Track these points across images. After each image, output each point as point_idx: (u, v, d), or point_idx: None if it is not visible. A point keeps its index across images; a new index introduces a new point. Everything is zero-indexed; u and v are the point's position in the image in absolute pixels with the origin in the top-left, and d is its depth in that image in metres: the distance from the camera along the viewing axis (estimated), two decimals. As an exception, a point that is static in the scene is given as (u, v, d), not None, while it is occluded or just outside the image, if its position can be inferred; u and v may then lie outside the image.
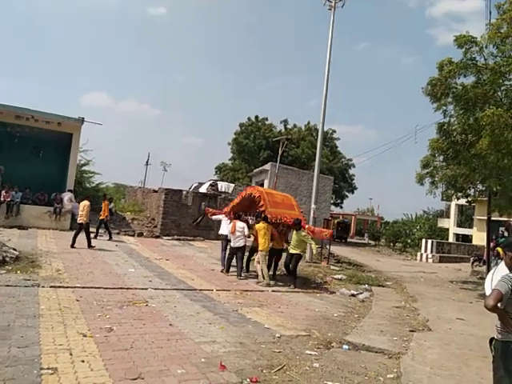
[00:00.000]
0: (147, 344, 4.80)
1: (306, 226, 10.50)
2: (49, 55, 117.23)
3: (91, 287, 7.42)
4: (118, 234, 17.39)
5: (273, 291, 9.26)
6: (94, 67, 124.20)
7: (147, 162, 58.12)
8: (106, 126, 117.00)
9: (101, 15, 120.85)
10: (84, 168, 26.52)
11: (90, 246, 12.32)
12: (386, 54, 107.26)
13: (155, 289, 7.97)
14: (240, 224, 10.39)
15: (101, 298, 6.71)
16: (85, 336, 4.81)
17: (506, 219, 18.03)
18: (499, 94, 11.61)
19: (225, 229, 11.14)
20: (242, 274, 10.34)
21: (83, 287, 7.33)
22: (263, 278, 9.84)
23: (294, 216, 10.46)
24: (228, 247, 10.89)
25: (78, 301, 6.40)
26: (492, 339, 3.11)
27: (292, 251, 10.05)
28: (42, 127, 17.19)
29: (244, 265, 10.75)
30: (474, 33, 11.49)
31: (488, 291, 3.10)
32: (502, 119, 9.64)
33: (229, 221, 11.09)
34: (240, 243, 10.29)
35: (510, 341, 2.92)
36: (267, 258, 10.14)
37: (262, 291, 9.11)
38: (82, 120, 17.89)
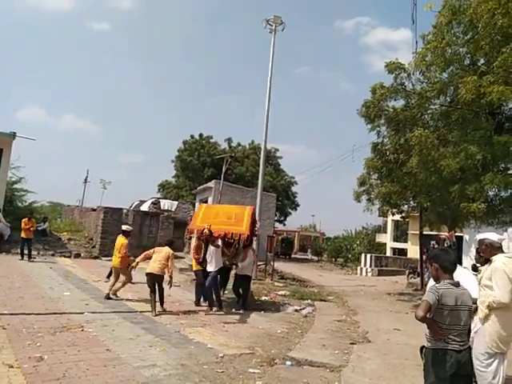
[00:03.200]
0: (81, 372, 4.53)
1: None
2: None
3: (21, 313, 6.91)
4: (53, 255, 16.45)
5: (216, 310, 9.14)
6: (31, 81, 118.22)
7: (85, 180, 55.68)
8: (43, 143, 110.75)
9: (41, 28, 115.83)
10: (15, 186, 24.88)
11: None
12: (326, 78, 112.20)
13: (92, 312, 7.58)
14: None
15: (31, 325, 6.27)
16: (11, 367, 4.46)
17: (436, 233, 19.19)
18: (426, 116, 12.47)
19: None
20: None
21: (11, 314, 6.81)
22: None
23: (236, 231, 9.49)
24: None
25: (4, 329, 5.93)
26: (422, 347, 3.27)
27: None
28: (-32, 142, 16.02)
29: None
30: (404, 60, 12.34)
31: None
32: (429, 140, 10.33)
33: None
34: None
35: (438, 348, 3.08)
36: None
37: (205, 310, 8.96)
38: (14, 135, 16.93)
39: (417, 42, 13.46)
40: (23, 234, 14.34)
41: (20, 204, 25.62)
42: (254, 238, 10.27)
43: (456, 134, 10.74)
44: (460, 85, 9.90)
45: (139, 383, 4.36)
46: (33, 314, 6.98)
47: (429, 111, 12.44)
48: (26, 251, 14.30)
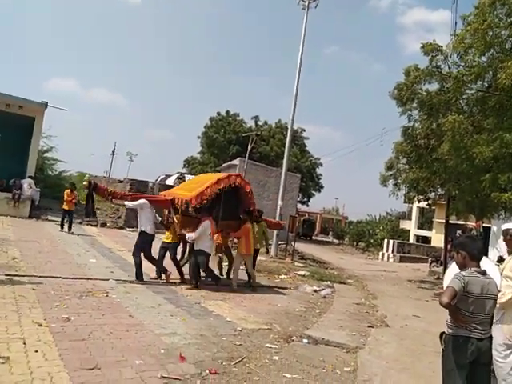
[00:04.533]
0: (105, 335, 4.71)
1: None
2: (10, 39, 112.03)
3: (49, 276, 7.19)
4: (80, 223, 16.94)
5: (238, 286, 9.29)
6: (64, 53, 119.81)
7: (113, 152, 56.85)
8: (73, 114, 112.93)
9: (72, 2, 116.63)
10: (46, 155, 25.58)
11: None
12: (356, 59, 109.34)
13: (116, 280, 7.81)
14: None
15: (59, 288, 6.51)
16: (40, 325, 4.67)
17: (462, 223, 18.78)
18: (461, 101, 12.07)
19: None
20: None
21: (40, 276, 7.09)
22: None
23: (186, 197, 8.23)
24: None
25: (34, 290, 6.18)
26: (442, 334, 3.24)
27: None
28: (3, 110, 16.45)
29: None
30: (441, 42, 11.89)
31: (446, 282, 3.23)
32: (462, 126, 10.03)
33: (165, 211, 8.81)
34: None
35: (459, 335, 3.05)
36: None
37: (226, 285, 9.11)
38: (46, 104, 17.25)
39: (456, 24, 12.96)
40: (65, 206, 14.18)
41: (50, 172, 26.40)
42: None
43: (491, 120, 10.36)
44: (500, 69, 9.49)
45: (160, 349, 4.50)
46: (60, 277, 7.24)
47: (464, 96, 12.03)
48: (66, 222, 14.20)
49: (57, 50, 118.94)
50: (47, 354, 3.92)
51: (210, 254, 8.43)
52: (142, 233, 8.30)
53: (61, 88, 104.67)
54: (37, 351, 3.93)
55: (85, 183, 8.21)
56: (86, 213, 10.89)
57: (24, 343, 4.09)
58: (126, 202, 8.73)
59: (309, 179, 38.76)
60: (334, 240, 41.80)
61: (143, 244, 8.30)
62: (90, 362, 3.88)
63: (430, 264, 20.79)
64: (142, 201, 8.35)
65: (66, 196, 14.33)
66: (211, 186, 8.27)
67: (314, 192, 41.32)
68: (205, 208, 8.37)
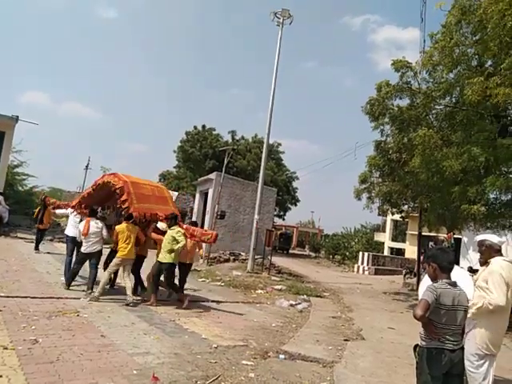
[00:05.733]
0: (75, 356, 4.55)
1: (185, 226, 8.35)
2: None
3: (17, 296, 6.93)
4: (52, 240, 16.47)
5: (212, 301, 9.17)
6: (36, 67, 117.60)
7: (87, 167, 55.66)
8: (45, 128, 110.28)
9: (46, 12, 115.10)
10: (16, 170, 24.91)
11: None
12: (331, 74, 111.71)
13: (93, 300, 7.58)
14: (96, 223, 8.23)
15: (27, 308, 6.28)
16: (5, 348, 4.47)
17: (435, 234, 19.21)
18: (430, 116, 12.43)
19: (71, 228, 8.95)
20: (95, 289, 7.83)
21: (7, 296, 6.82)
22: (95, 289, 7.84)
23: (166, 211, 8.37)
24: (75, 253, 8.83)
25: (0, 311, 5.94)
26: (416, 346, 3.28)
27: (160, 259, 7.98)
28: (-30, 124, 16.00)
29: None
30: (411, 59, 12.27)
31: (420, 293, 3.28)
32: (432, 140, 10.30)
33: (79, 218, 8.90)
34: (95, 248, 8.18)
35: (432, 347, 3.08)
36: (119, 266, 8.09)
37: (203, 301, 8.99)
38: (17, 118, 16.90)
39: (425, 41, 13.42)
40: (40, 225, 13.54)
41: (20, 188, 25.69)
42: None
43: (460, 135, 10.69)
44: (466, 86, 9.84)
45: (132, 370, 4.37)
46: (29, 297, 7.00)
47: (433, 111, 12.40)
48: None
49: (30, 63, 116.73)
50: (12, 378, 3.75)
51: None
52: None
53: (34, 102, 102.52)
54: (1, 376, 3.76)
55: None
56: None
57: (-13, 368, 3.90)
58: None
59: (285, 193, 38.95)
60: (311, 253, 41.93)
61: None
62: (57, 385, 3.73)
63: (405, 276, 21.08)
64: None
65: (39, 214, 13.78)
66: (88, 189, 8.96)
67: (290, 205, 41.51)
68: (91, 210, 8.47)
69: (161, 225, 8.36)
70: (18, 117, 16.93)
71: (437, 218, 12.83)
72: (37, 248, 13.27)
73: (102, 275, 8.03)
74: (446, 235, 16.37)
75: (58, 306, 6.74)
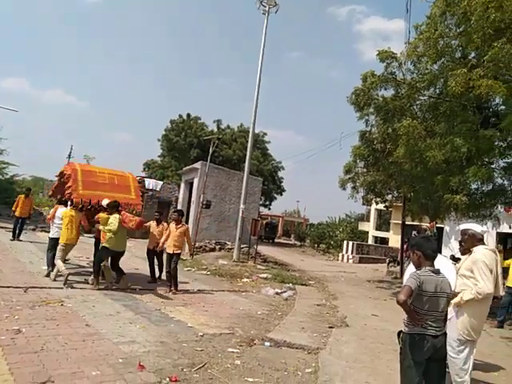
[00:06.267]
0: (60, 346, 4.52)
1: (122, 212, 8.26)
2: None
3: (-1, 286, 6.84)
4: (34, 230, 16.23)
5: (198, 290, 9.20)
6: (18, 53, 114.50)
7: (69, 155, 54.62)
8: (27, 115, 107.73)
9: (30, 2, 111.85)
10: (-4, 158, 24.38)
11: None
12: (317, 64, 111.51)
13: (72, 288, 7.53)
14: (62, 210, 8.66)
15: (9, 298, 6.20)
16: (-12, 339, 4.42)
17: (417, 223, 19.49)
18: (414, 107, 12.53)
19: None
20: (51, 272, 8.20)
21: (-11, 286, 6.73)
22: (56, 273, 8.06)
23: (125, 200, 8.79)
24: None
25: (-18, 301, 5.86)
26: (400, 332, 3.35)
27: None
28: None
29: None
30: (396, 50, 12.30)
31: (405, 279, 3.35)
32: (416, 130, 10.40)
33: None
34: (56, 234, 8.56)
35: (415, 333, 3.15)
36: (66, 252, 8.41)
37: (187, 290, 9.00)
38: (-4, 105, 16.45)
39: (410, 32, 13.45)
40: (17, 213, 13.32)
41: (1, 177, 25.16)
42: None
43: (443, 125, 10.82)
44: (450, 77, 9.93)
45: (118, 358, 4.37)
46: (11, 287, 6.91)
47: (418, 102, 12.50)
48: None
49: (14, 50, 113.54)
50: (-5, 368, 3.71)
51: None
52: None
53: (14, 88, 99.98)
54: (-16, 366, 3.72)
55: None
56: None
57: (-30, 358, 3.85)
58: None
59: (271, 182, 38.99)
60: (296, 242, 42.19)
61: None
62: (42, 375, 3.70)
63: (388, 264, 21.42)
64: None
65: (20, 202, 13.56)
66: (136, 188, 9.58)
67: (275, 195, 41.58)
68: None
69: (104, 202, 8.37)
70: (-3, 103, 16.52)
71: (420, 208, 13.02)
72: (13, 237, 13.04)
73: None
74: (428, 224, 16.65)
75: (42, 295, 6.67)
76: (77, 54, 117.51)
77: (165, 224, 9.75)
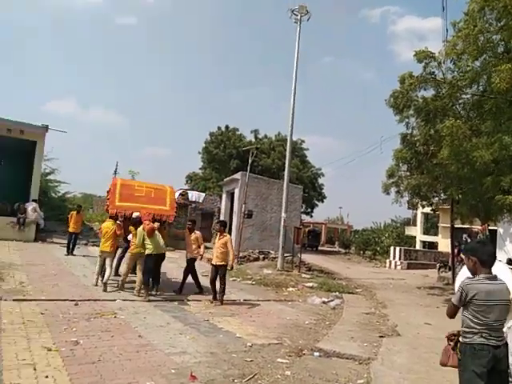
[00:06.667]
0: (115, 356, 4.69)
1: (144, 221, 8.71)
2: (9, 63, 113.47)
3: (57, 299, 7.19)
4: (86, 244, 16.95)
5: (244, 300, 9.25)
6: (62, 76, 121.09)
7: (115, 172, 56.85)
8: (73, 135, 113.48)
9: (68, 22, 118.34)
10: (49, 177, 25.79)
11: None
12: (352, 68, 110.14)
13: (124, 300, 7.80)
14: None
15: (67, 311, 6.51)
16: (50, 350, 4.66)
17: (468, 226, 18.69)
18: (457, 106, 12.12)
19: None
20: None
21: (48, 300, 7.09)
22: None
23: (159, 212, 9.34)
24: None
25: (42, 314, 6.19)
26: (457, 343, 3.21)
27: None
28: (4, 135, 16.63)
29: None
30: (433, 49, 12.00)
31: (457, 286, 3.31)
32: (460, 130, 10.04)
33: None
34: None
35: (475, 343, 3.00)
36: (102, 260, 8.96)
37: (234, 300, 9.07)
38: (46, 127, 17.44)
39: (447, 30, 13.05)
40: (70, 229, 13.90)
41: (54, 195, 26.58)
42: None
43: (489, 124, 10.38)
44: (493, 73, 9.55)
45: (170, 369, 4.47)
46: (68, 300, 7.24)
47: (460, 101, 12.10)
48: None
49: (55, 72, 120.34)
50: (58, 379, 3.90)
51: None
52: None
53: (60, 110, 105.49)
54: (47, 377, 3.92)
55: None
56: None
57: (34, 369, 4.08)
58: None
59: (311, 190, 38.72)
60: (341, 249, 41.48)
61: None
62: (101, 385, 3.85)
63: (439, 269, 20.62)
64: None
65: (72, 218, 14.23)
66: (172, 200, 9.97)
67: (317, 202, 41.20)
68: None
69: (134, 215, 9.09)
70: (47, 126, 17.46)
71: (469, 210, 12.52)
72: (67, 252, 13.68)
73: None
74: (480, 227, 15.90)
75: (96, 308, 6.95)
76: (114, 73, 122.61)
77: (197, 233, 9.74)
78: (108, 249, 8.92)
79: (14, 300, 6.76)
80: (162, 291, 8.85)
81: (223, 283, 8.63)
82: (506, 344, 3.11)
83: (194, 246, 9.48)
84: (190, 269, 9.52)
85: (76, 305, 6.98)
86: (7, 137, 16.76)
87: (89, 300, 7.45)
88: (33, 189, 17.38)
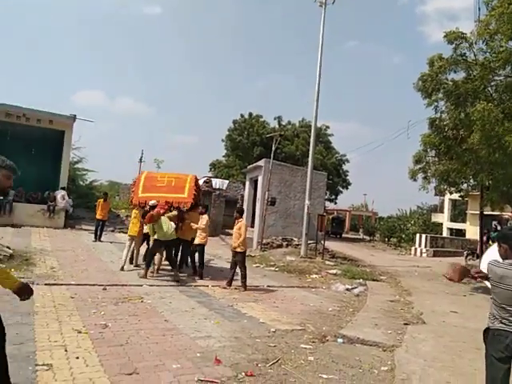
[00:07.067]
0: (142, 340, 4.81)
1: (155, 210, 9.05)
2: (39, 54, 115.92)
3: (86, 284, 7.43)
4: (113, 231, 17.36)
5: (268, 286, 9.31)
6: (87, 66, 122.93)
7: (141, 159, 57.74)
8: (100, 124, 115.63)
9: (95, 15, 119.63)
10: (77, 166, 26.43)
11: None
12: (379, 51, 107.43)
13: (150, 285, 7.98)
14: None
15: (95, 295, 6.71)
16: (80, 332, 4.82)
17: (498, 213, 18.17)
18: (489, 89, 11.70)
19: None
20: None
21: (78, 284, 7.33)
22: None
23: (177, 200, 9.72)
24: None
25: (72, 298, 6.41)
26: (486, 330, 3.17)
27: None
28: (34, 125, 17.09)
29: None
30: (465, 29, 11.57)
31: (482, 267, 3.29)
32: (492, 114, 9.70)
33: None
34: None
35: (495, 328, 3.00)
36: (132, 244, 9.78)
37: (257, 286, 9.15)
38: (74, 117, 17.82)
39: (479, 9, 12.55)
40: (98, 216, 14.35)
41: (81, 183, 27.27)
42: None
43: (524, 106, 9.99)
44: (529, 53, 9.15)
45: (195, 353, 4.56)
46: (97, 285, 7.46)
47: (493, 83, 11.67)
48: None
49: (82, 63, 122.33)
50: (88, 360, 4.04)
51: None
52: None
53: (87, 99, 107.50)
54: (78, 358, 4.06)
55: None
56: None
57: (65, 350, 4.23)
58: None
59: (335, 176, 38.32)
60: (365, 237, 41.07)
61: None
62: (128, 367, 3.97)
63: (466, 257, 20.18)
64: None
65: (99, 206, 14.58)
66: (192, 187, 10.09)
67: (341, 189, 40.81)
68: None
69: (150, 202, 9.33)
70: (75, 116, 17.85)
71: (500, 196, 12.16)
72: (95, 238, 14.04)
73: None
74: (510, 213, 15.45)
75: (123, 292, 7.14)
76: (140, 63, 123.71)
77: (203, 217, 9.64)
78: (135, 233, 9.71)
79: (45, 284, 7.01)
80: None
81: (242, 269, 8.70)
82: None
83: (200, 232, 9.49)
84: (191, 253, 9.87)
85: (104, 289, 7.18)
86: (37, 127, 17.26)
87: (116, 285, 7.66)
88: (62, 177, 17.86)
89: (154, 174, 11.37)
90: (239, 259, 8.71)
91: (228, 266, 9.61)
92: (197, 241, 9.47)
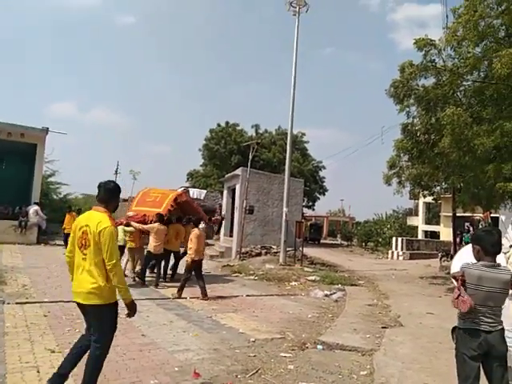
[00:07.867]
0: (118, 356, 4.69)
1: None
2: (10, 67, 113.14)
3: (60, 301, 7.20)
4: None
5: (247, 295, 9.27)
6: (60, 79, 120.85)
7: (116, 171, 56.89)
8: (73, 136, 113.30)
9: (67, 24, 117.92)
10: (50, 179, 25.81)
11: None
12: (352, 58, 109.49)
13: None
14: None
15: (70, 312, 6.51)
16: (53, 352, 4.67)
17: (470, 214, 18.65)
18: (458, 94, 12.05)
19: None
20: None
21: (51, 302, 7.11)
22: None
23: (152, 213, 10.20)
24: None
25: (45, 316, 6.21)
26: (454, 328, 3.24)
27: None
28: (5, 139, 16.65)
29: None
30: (434, 36, 11.91)
31: (453, 269, 3.38)
32: (461, 118, 9.98)
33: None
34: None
35: (467, 328, 3.06)
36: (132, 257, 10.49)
37: (237, 296, 9.09)
38: (47, 130, 17.48)
39: (447, 17, 13.01)
40: (66, 230, 13.96)
41: (55, 196, 26.63)
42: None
43: (491, 110, 10.34)
44: (495, 59, 9.48)
45: (174, 367, 4.48)
46: (71, 301, 7.24)
47: (461, 88, 12.03)
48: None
49: (55, 75, 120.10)
50: (61, 380, 3.90)
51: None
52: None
53: (60, 112, 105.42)
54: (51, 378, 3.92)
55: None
56: None
57: (38, 371, 4.10)
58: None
59: (312, 183, 38.69)
60: (343, 242, 41.49)
61: None
62: (104, 385, 3.86)
63: (441, 259, 20.60)
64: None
65: (67, 219, 14.37)
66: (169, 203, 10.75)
67: (318, 195, 41.20)
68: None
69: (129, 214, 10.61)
70: (48, 128, 17.50)
71: (471, 198, 12.48)
72: None
73: None
74: (482, 215, 15.90)
75: (99, 308, 6.96)
76: (112, 71, 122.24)
77: (176, 226, 10.62)
78: (135, 245, 10.34)
79: (16, 303, 6.77)
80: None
81: (199, 278, 8.69)
82: (503, 330, 3.10)
83: (173, 240, 10.41)
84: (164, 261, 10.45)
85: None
86: (8, 140, 16.81)
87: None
88: (34, 191, 17.44)
89: (150, 189, 11.96)
90: (195, 268, 8.76)
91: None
92: (169, 248, 10.31)
